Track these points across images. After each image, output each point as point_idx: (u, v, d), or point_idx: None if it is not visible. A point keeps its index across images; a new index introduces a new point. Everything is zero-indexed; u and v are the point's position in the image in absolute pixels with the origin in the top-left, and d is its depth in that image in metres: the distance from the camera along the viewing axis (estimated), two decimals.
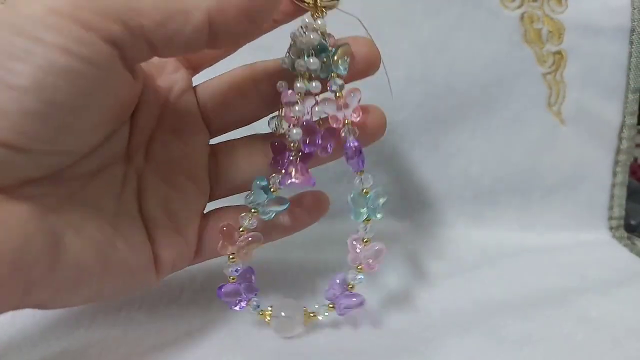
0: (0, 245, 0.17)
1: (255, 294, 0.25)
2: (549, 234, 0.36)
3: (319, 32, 0.22)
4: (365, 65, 0.25)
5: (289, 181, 0.24)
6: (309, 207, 0.26)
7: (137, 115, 0.23)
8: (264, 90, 0.25)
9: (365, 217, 0.24)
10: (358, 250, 0.24)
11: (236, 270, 0.24)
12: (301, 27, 0.23)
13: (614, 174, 0.36)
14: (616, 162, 0.36)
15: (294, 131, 0.23)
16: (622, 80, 0.35)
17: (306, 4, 0.22)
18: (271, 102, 0.25)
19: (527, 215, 0.37)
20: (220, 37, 0.20)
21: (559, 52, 0.35)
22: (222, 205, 0.27)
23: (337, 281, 0.25)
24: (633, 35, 0.34)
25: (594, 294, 0.28)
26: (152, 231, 0.23)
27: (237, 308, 0.25)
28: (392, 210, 0.37)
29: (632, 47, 0.34)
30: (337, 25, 0.23)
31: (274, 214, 0.24)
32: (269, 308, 0.25)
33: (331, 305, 0.25)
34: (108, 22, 0.17)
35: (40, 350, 0.24)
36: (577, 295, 0.28)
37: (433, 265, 0.32)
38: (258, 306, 0.25)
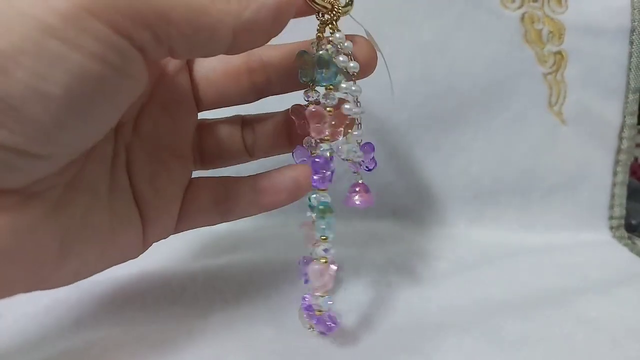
0: (16, 251, 0.18)
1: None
2: (549, 233, 0.36)
3: (337, 45, 0.23)
4: (363, 66, 0.24)
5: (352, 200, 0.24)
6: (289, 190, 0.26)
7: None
8: (257, 81, 0.25)
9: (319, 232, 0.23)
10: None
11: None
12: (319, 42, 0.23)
13: (615, 173, 0.36)
14: (617, 162, 0.36)
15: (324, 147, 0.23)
16: (622, 80, 0.35)
17: (321, 7, 0.22)
18: (260, 92, 0.25)
19: (528, 215, 0.37)
20: (240, 50, 0.20)
21: (559, 52, 0.35)
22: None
23: (304, 307, 0.24)
24: (633, 35, 0.34)
25: (594, 294, 0.28)
26: (141, 206, 0.23)
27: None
28: (392, 210, 0.37)
29: (632, 47, 0.34)
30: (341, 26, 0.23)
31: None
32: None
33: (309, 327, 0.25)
34: (140, 28, 0.17)
35: (42, 351, 0.24)
36: (577, 295, 0.28)
37: (433, 264, 0.32)
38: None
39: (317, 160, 0.23)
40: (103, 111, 0.18)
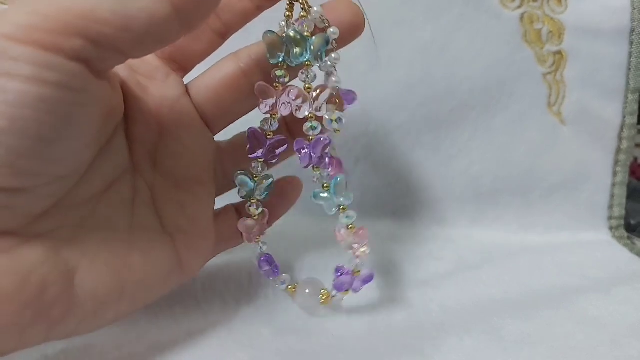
0: (20, 292, 0.17)
1: (277, 273, 0.27)
2: (549, 233, 0.36)
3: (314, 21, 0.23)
4: (350, 30, 0.24)
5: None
6: (283, 194, 0.28)
7: (132, 128, 0.23)
8: (256, 82, 0.24)
9: (336, 207, 0.25)
10: (342, 238, 0.25)
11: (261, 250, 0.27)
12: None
13: (614, 173, 0.36)
14: (616, 162, 0.36)
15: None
16: (622, 80, 0.35)
17: None
18: None
19: (528, 215, 0.37)
20: (193, 19, 0.19)
21: (559, 52, 0.35)
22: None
23: (339, 274, 0.26)
24: (633, 35, 0.34)
25: (594, 293, 0.28)
26: (176, 238, 0.23)
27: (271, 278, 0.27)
28: (393, 210, 0.37)
29: (632, 47, 0.34)
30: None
31: (266, 192, 0.26)
32: (295, 285, 0.26)
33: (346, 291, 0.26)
34: (69, 38, 0.16)
35: (41, 350, 0.24)
36: (577, 294, 0.28)
37: (433, 264, 0.32)
38: (283, 282, 0.27)
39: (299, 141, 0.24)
40: (67, 133, 0.17)
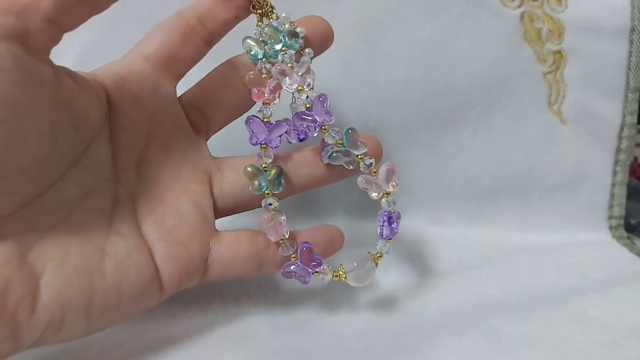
0: None
1: (321, 265, 0.25)
2: (548, 233, 0.36)
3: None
4: (322, 42, 0.26)
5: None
6: (322, 247, 0.26)
7: (119, 137, 0.23)
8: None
9: (355, 157, 0.25)
10: (373, 184, 0.25)
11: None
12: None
13: (614, 173, 0.36)
14: (616, 162, 0.36)
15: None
16: (622, 79, 0.35)
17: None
18: None
19: (527, 215, 0.37)
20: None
21: (559, 52, 0.35)
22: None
23: (383, 218, 0.26)
24: (633, 34, 0.34)
25: (594, 293, 0.28)
26: (153, 247, 0.23)
27: (307, 282, 0.25)
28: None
29: (632, 47, 0.34)
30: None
31: (280, 185, 0.25)
32: (340, 267, 0.25)
33: (389, 240, 0.26)
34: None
35: (41, 349, 0.23)
36: (576, 295, 0.28)
37: (432, 264, 0.32)
38: (325, 274, 0.25)
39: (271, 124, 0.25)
40: (8, 116, 0.17)
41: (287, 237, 0.25)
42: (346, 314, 0.27)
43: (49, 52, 0.19)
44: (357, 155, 0.25)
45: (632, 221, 0.38)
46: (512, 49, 0.35)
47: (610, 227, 0.36)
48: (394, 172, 0.26)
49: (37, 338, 0.19)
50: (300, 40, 0.25)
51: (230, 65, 0.26)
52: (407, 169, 0.37)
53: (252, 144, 0.25)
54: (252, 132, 0.25)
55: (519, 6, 0.35)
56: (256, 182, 0.25)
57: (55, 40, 0.19)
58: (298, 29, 0.25)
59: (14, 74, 0.17)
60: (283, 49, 0.25)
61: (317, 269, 0.25)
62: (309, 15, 0.26)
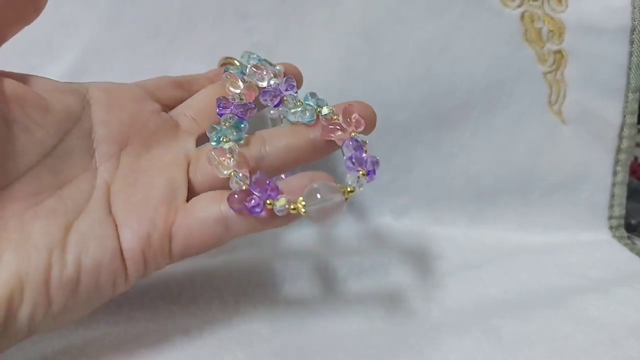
0: None
1: (277, 194, 0.21)
2: (549, 233, 0.36)
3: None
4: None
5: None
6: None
7: (97, 130, 0.24)
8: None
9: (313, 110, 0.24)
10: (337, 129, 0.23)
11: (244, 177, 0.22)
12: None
13: (615, 173, 0.36)
14: (617, 161, 0.36)
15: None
16: (622, 79, 0.35)
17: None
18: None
19: (528, 214, 0.37)
20: None
21: (559, 52, 0.35)
22: None
23: (349, 147, 0.23)
24: (634, 34, 0.34)
25: (594, 294, 0.28)
26: (117, 218, 0.22)
27: (258, 212, 0.21)
28: (392, 209, 0.37)
29: (632, 47, 0.34)
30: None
31: (238, 133, 0.24)
32: (300, 200, 0.21)
33: (363, 173, 0.22)
34: None
35: (41, 348, 0.24)
36: (576, 294, 0.28)
37: (433, 264, 0.32)
38: (278, 203, 0.21)
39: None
40: None
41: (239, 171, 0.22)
42: (347, 313, 0.27)
43: None
44: (315, 109, 0.24)
45: (633, 221, 0.38)
46: (513, 48, 0.35)
47: (611, 227, 0.36)
48: (361, 122, 0.24)
49: (1, 316, 0.19)
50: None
51: (220, 85, 0.26)
52: (408, 169, 0.37)
53: (219, 115, 0.24)
54: (220, 106, 0.25)
55: (520, 6, 0.35)
56: (214, 135, 0.24)
57: None
58: (277, 67, 0.26)
59: None
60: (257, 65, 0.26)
61: (273, 197, 0.21)
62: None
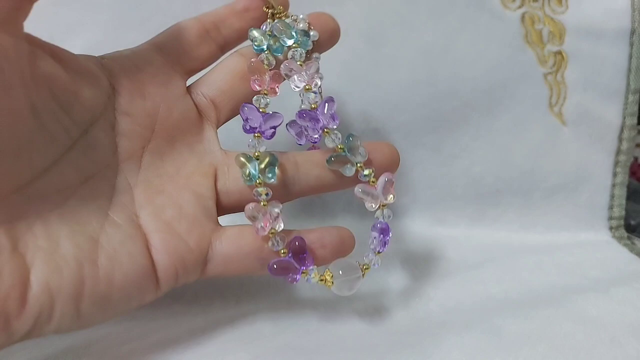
0: None
1: (311, 266, 0.24)
2: (549, 233, 0.36)
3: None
4: (329, 39, 0.26)
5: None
6: (332, 248, 0.25)
7: (124, 124, 0.23)
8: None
9: (355, 167, 0.25)
10: (371, 194, 0.25)
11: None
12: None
13: (614, 174, 0.36)
14: (616, 163, 0.36)
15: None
16: (622, 81, 0.35)
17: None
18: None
19: (528, 215, 0.37)
20: None
21: (559, 53, 0.36)
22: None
23: (377, 229, 0.25)
24: (633, 36, 0.34)
25: (594, 293, 0.28)
26: (150, 238, 0.22)
27: (295, 281, 0.24)
28: (393, 210, 0.37)
29: (632, 49, 0.35)
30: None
31: (272, 173, 0.24)
32: (327, 272, 0.24)
33: (379, 252, 0.25)
34: None
35: (44, 348, 0.24)
36: (577, 294, 0.28)
37: (435, 264, 0.32)
38: (313, 276, 0.24)
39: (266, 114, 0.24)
40: None
41: (278, 230, 0.23)
42: (349, 312, 0.27)
43: (18, 24, 0.18)
44: (357, 164, 0.24)
45: (632, 222, 0.38)
46: (514, 50, 0.35)
47: (611, 228, 0.36)
48: (393, 182, 0.25)
49: (28, 329, 0.19)
50: (311, 43, 0.25)
51: (239, 56, 0.26)
52: (410, 170, 0.37)
53: (245, 132, 0.24)
54: (246, 118, 0.24)
55: (520, 7, 0.35)
56: (247, 170, 0.23)
57: (22, 8, 0.18)
58: (312, 32, 0.25)
59: None
60: (294, 45, 0.25)
61: (305, 268, 0.24)
62: (318, 12, 0.26)
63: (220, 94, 0.25)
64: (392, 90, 0.36)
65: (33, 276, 0.19)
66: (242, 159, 0.24)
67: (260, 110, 0.24)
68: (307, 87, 0.25)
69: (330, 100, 0.24)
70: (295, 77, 0.25)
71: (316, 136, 0.24)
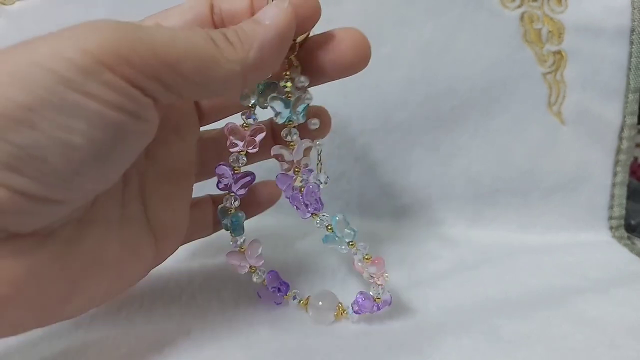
0: (30, 292, 0.18)
1: (288, 288, 0.27)
2: (548, 233, 0.36)
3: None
4: (357, 58, 0.24)
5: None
6: (260, 199, 0.28)
7: None
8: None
9: (346, 243, 0.25)
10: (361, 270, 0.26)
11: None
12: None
13: (614, 173, 0.36)
14: (616, 162, 0.36)
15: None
16: (622, 80, 0.35)
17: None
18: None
19: (527, 215, 0.37)
20: (252, 84, 0.22)
21: (558, 52, 0.35)
22: None
23: (361, 299, 0.26)
24: (633, 35, 0.34)
25: (594, 294, 0.28)
26: (157, 229, 0.24)
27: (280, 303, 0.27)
28: (392, 210, 0.37)
29: (632, 47, 0.34)
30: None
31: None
32: (308, 298, 0.26)
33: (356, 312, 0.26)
34: (151, 80, 0.18)
35: (41, 350, 0.24)
36: (576, 295, 0.28)
37: (432, 264, 0.32)
38: (295, 297, 0.27)
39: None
40: (121, 156, 0.19)
41: (259, 265, 0.26)
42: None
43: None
44: (348, 242, 0.25)
45: (632, 222, 0.38)
46: (512, 49, 0.35)
47: (611, 228, 0.36)
48: (383, 265, 0.26)
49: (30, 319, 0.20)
50: (302, 116, 0.24)
51: None
52: (408, 170, 0.37)
53: (219, 189, 0.25)
54: (219, 177, 0.25)
55: (519, 6, 0.35)
56: (225, 222, 0.26)
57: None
58: (313, 121, 0.25)
59: (142, 123, 0.18)
60: (288, 124, 0.24)
61: (284, 293, 0.27)
62: (343, 28, 0.24)
63: (209, 103, 0.26)
64: (390, 89, 0.36)
65: (78, 288, 0.20)
66: (220, 209, 0.26)
67: (235, 170, 0.25)
68: (296, 169, 0.25)
69: (315, 187, 0.25)
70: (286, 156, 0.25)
71: (306, 217, 0.25)
